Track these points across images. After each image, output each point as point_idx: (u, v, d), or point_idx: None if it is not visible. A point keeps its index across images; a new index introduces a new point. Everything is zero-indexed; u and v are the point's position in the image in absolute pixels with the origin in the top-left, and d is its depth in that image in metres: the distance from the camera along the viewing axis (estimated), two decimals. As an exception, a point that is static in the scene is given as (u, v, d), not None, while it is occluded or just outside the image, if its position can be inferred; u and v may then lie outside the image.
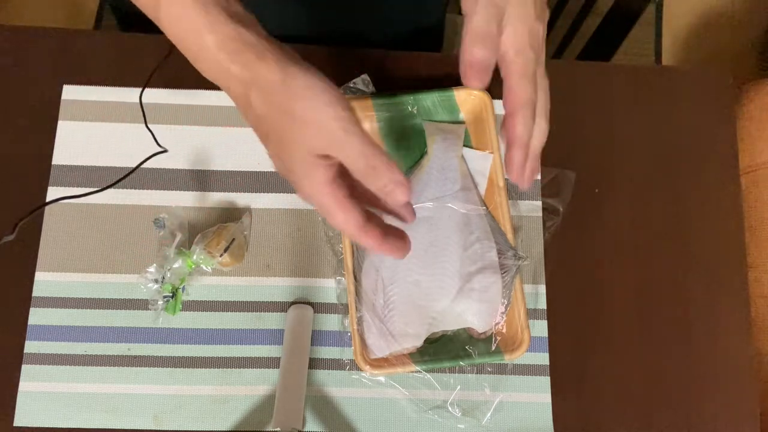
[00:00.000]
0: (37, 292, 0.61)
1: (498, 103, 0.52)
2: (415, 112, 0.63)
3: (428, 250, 0.58)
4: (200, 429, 0.59)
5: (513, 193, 0.64)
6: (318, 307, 0.61)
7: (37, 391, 0.59)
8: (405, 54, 0.67)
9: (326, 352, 0.61)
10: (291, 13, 0.74)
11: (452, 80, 0.59)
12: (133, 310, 0.61)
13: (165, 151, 0.57)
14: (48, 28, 0.67)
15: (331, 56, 0.67)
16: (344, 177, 0.40)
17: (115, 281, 0.61)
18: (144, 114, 0.57)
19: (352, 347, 0.56)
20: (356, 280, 0.58)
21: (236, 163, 0.64)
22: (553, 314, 0.62)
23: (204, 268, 0.59)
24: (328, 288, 0.62)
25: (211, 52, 0.39)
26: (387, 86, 0.65)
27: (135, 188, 0.63)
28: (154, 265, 0.58)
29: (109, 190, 0.54)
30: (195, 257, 0.58)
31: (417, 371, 0.56)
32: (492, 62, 0.42)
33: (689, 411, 0.61)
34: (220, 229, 0.60)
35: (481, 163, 0.61)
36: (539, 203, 0.64)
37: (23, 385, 0.59)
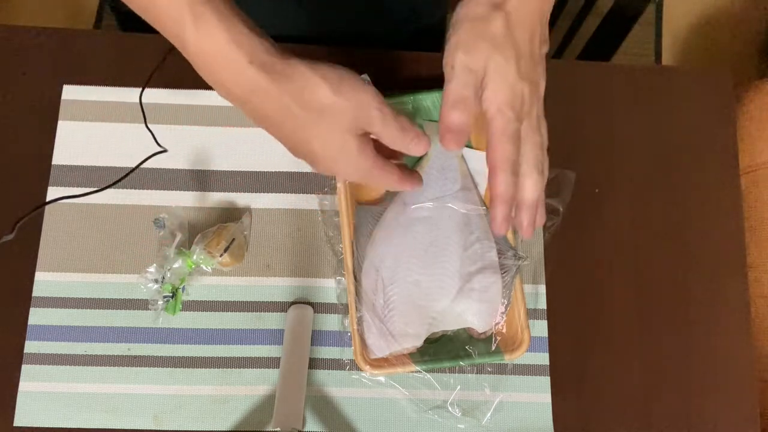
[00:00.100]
0: (37, 292, 0.61)
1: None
2: (415, 112, 0.63)
3: (428, 250, 0.58)
4: (200, 429, 0.59)
5: (513, 193, 0.64)
6: (318, 307, 0.61)
7: (37, 391, 0.59)
8: (405, 54, 0.67)
9: (326, 352, 0.61)
10: (291, 13, 0.74)
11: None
12: (133, 310, 0.61)
13: (165, 150, 0.57)
14: (48, 28, 0.67)
15: (331, 56, 0.67)
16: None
17: (115, 281, 0.61)
18: (144, 114, 0.57)
19: (352, 347, 0.56)
20: (356, 280, 0.58)
21: (236, 163, 0.64)
22: (553, 314, 0.62)
23: (204, 268, 0.59)
24: (328, 288, 0.62)
25: (241, 67, 0.41)
26: (387, 86, 0.65)
27: (135, 188, 0.63)
28: (154, 265, 0.58)
29: (109, 190, 0.54)
30: (195, 257, 0.58)
31: (417, 371, 0.56)
32: (469, 125, 0.44)
33: (689, 411, 0.61)
34: (220, 229, 0.60)
35: (481, 163, 0.60)
36: (539, 203, 0.64)
37: (23, 385, 0.59)
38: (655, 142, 0.67)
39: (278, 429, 0.52)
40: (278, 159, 0.64)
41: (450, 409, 0.59)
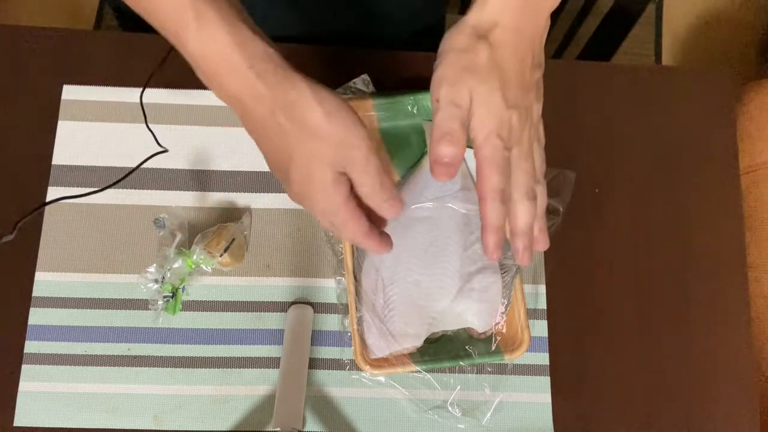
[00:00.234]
0: (37, 292, 0.61)
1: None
2: (415, 112, 0.63)
3: (428, 250, 0.58)
4: (200, 429, 0.59)
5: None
6: (318, 307, 0.61)
7: (37, 391, 0.59)
8: (405, 54, 0.67)
9: (326, 352, 0.61)
10: (291, 13, 0.74)
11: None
12: (133, 310, 0.61)
13: (165, 150, 0.57)
14: (48, 28, 0.67)
15: (331, 56, 0.67)
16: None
17: (115, 281, 0.61)
18: (144, 114, 0.57)
19: (352, 347, 0.56)
20: (356, 280, 0.58)
21: (236, 163, 0.64)
22: (553, 314, 0.62)
23: (204, 268, 0.59)
24: (328, 288, 0.62)
25: (240, 71, 0.40)
26: (387, 86, 0.65)
27: (135, 188, 0.63)
28: (154, 265, 0.58)
29: (109, 190, 0.54)
30: (195, 257, 0.58)
31: (417, 371, 0.56)
32: (458, 156, 0.44)
33: (689, 411, 0.61)
34: (220, 229, 0.60)
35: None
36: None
37: (23, 385, 0.59)
38: (655, 142, 0.67)
39: (278, 429, 0.52)
40: (278, 159, 0.64)
41: (450, 409, 0.59)
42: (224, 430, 0.59)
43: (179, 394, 0.59)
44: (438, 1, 0.83)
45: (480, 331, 0.58)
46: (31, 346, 0.60)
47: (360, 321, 0.57)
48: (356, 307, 0.57)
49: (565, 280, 0.63)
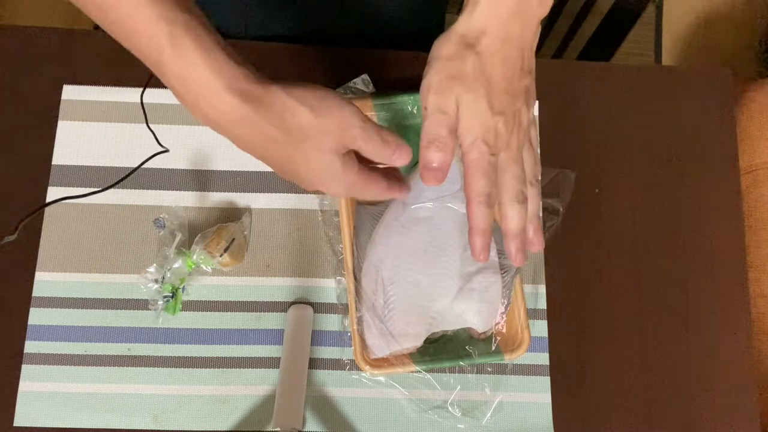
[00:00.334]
0: (37, 292, 0.61)
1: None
2: (415, 112, 0.63)
3: (428, 250, 0.58)
4: (200, 429, 0.59)
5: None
6: (318, 307, 0.61)
7: (37, 391, 0.59)
8: (405, 54, 0.67)
9: (326, 352, 0.61)
10: (291, 14, 0.74)
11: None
12: (133, 310, 0.61)
13: (166, 150, 0.57)
14: (48, 28, 0.67)
15: (331, 56, 0.67)
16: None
17: (115, 281, 0.61)
18: (145, 114, 0.57)
19: (352, 347, 0.56)
20: (356, 280, 0.58)
21: (236, 163, 0.64)
22: (553, 314, 0.62)
23: (204, 268, 0.59)
24: (328, 288, 0.62)
25: (220, 96, 0.41)
26: (387, 86, 0.65)
27: (135, 188, 0.63)
28: (154, 265, 0.58)
29: (109, 190, 0.54)
30: (195, 257, 0.58)
31: (417, 371, 0.56)
32: (446, 162, 0.45)
33: (689, 411, 0.61)
34: (220, 229, 0.60)
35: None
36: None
37: (23, 385, 0.59)
38: (655, 142, 0.67)
39: (278, 429, 0.52)
40: (278, 159, 0.64)
41: (450, 409, 0.59)
42: (224, 430, 0.59)
43: (179, 394, 0.59)
44: (438, 1, 0.83)
45: (480, 331, 0.58)
46: (31, 346, 0.60)
47: (360, 321, 0.57)
48: (356, 307, 0.57)
49: (565, 280, 0.63)
